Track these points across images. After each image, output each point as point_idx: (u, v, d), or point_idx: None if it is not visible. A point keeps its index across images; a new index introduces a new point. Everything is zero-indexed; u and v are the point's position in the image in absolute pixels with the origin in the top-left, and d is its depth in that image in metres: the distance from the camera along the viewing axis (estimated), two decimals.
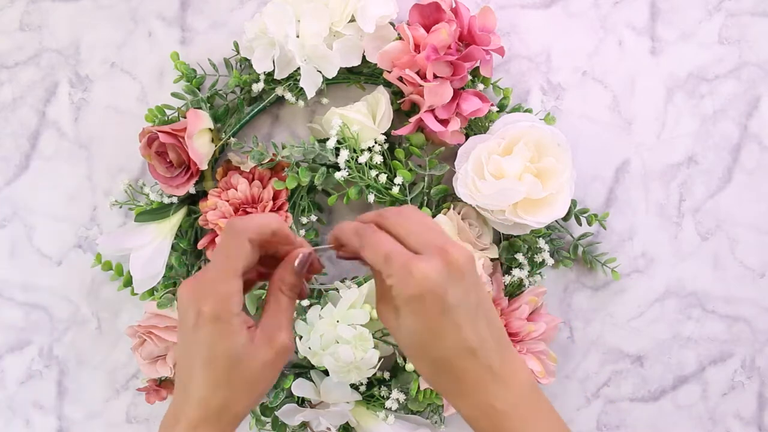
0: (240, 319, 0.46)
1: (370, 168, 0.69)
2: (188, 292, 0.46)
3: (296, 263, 0.49)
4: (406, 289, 0.44)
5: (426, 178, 0.71)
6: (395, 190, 0.69)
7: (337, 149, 0.68)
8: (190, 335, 0.45)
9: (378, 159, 0.68)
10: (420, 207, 0.70)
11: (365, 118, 0.68)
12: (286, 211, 0.70)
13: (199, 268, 0.74)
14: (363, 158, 0.68)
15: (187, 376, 0.46)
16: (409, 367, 0.71)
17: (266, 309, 0.48)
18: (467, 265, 0.45)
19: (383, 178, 0.68)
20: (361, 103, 0.70)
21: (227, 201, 0.69)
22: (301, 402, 0.73)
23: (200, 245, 0.71)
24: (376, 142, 0.69)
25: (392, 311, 0.46)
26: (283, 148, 0.68)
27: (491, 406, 0.46)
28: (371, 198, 0.69)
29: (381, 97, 0.70)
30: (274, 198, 0.69)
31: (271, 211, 0.69)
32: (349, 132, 0.68)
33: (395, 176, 0.69)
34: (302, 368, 0.74)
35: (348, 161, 0.68)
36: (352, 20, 0.67)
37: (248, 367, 0.46)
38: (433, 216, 0.70)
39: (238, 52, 0.73)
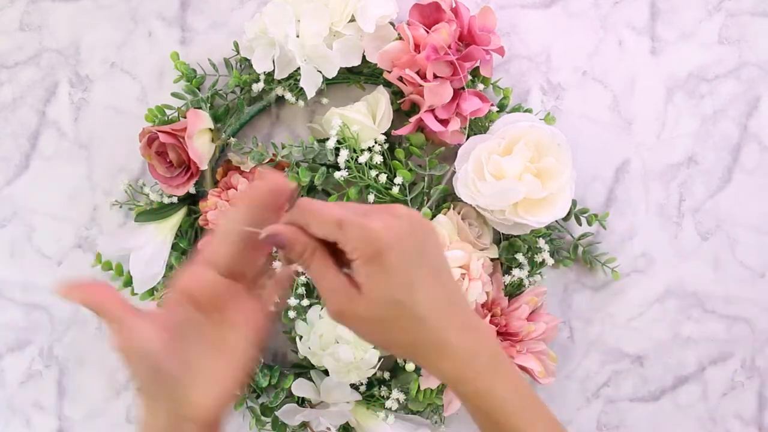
0: None
1: (370, 168, 0.69)
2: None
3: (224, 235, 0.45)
4: (368, 246, 0.42)
5: (426, 178, 0.71)
6: (395, 190, 0.69)
7: (337, 149, 0.68)
8: None
9: (378, 159, 0.68)
10: (420, 207, 0.70)
11: (365, 118, 0.68)
12: (286, 211, 0.69)
13: None
14: (363, 158, 0.68)
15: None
16: (409, 367, 0.71)
17: None
18: (415, 218, 0.44)
19: (383, 178, 0.68)
20: (361, 103, 0.70)
21: (227, 201, 0.69)
22: (301, 402, 0.73)
23: (200, 245, 0.71)
24: (376, 142, 0.69)
25: (354, 296, 0.43)
26: (282, 148, 0.68)
27: (477, 361, 0.44)
28: (371, 198, 0.69)
29: (381, 97, 0.70)
30: None
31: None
32: (349, 132, 0.68)
33: (395, 176, 0.69)
34: (302, 368, 0.74)
35: (348, 161, 0.68)
36: (352, 20, 0.67)
37: None
38: (433, 216, 0.70)
39: (238, 52, 0.73)
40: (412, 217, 0.44)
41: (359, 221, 0.42)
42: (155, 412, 0.42)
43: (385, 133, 0.70)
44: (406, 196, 0.70)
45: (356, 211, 0.44)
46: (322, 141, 0.69)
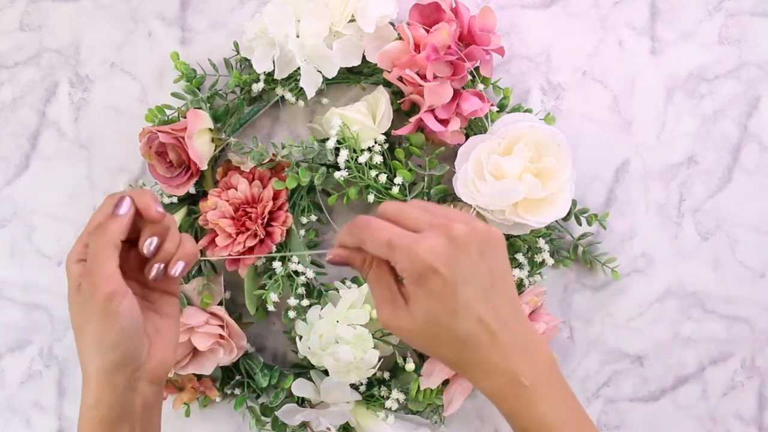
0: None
1: (370, 168, 0.69)
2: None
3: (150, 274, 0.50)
4: (414, 269, 0.44)
5: (426, 178, 0.71)
6: (395, 190, 0.69)
7: (337, 149, 0.68)
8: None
9: (378, 159, 0.68)
10: None
11: (365, 118, 0.68)
12: (286, 211, 0.70)
13: (199, 268, 0.74)
14: (363, 158, 0.68)
15: None
16: (409, 366, 0.71)
17: None
18: (472, 237, 0.45)
19: (383, 178, 0.68)
20: (361, 103, 0.70)
21: (227, 201, 0.69)
22: (301, 402, 0.73)
23: (200, 245, 0.71)
24: (376, 142, 0.69)
25: (401, 309, 0.46)
26: (282, 148, 0.68)
27: (518, 382, 0.45)
28: (371, 198, 0.69)
29: (381, 97, 0.70)
30: (274, 198, 0.69)
31: (271, 211, 0.69)
32: (349, 132, 0.68)
33: (395, 176, 0.69)
34: (302, 368, 0.74)
35: (348, 161, 0.68)
36: (352, 20, 0.67)
37: None
38: None
39: (238, 52, 0.73)
40: (468, 236, 0.45)
41: (407, 244, 0.45)
42: (114, 371, 0.48)
43: (385, 133, 0.70)
44: (406, 196, 0.70)
45: (414, 224, 0.46)
46: (322, 141, 0.69)
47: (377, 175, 0.68)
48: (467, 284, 0.45)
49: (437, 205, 0.50)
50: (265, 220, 0.69)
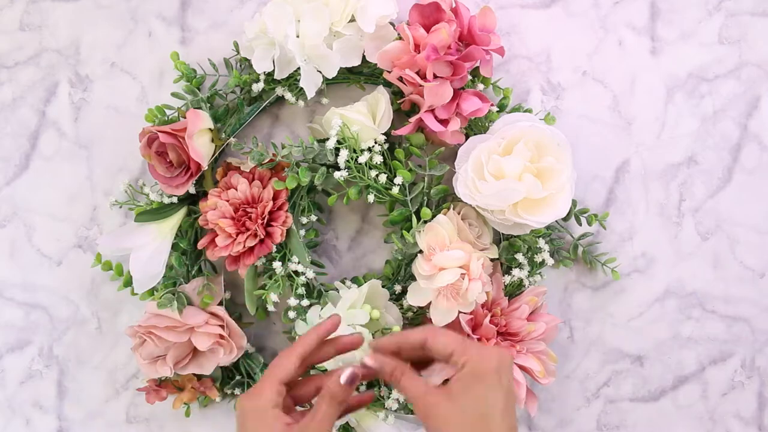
0: (275, 413, 0.53)
1: (370, 168, 0.69)
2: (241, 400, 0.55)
3: (342, 378, 0.53)
4: (481, 364, 0.51)
5: (426, 178, 0.71)
6: (395, 190, 0.69)
7: (337, 149, 0.68)
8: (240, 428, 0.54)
9: (378, 159, 0.68)
10: (420, 207, 0.70)
11: (365, 118, 0.68)
12: (286, 211, 0.70)
13: (199, 268, 0.74)
14: (363, 158, 0.68)
15: None
16: None
17: (310, 411, 0.53)
18: (505, 354, 0.54)
19: (383, 178, 0.68)
20: (361, 103, 0.70)
21: (227, 201, 0.69)
22: None
23: (200, 245, 0.71)
24: (376, 142, 0.69)
25: (443, 401, 0.51)
26: (282, 148, 0.68)
27: None
28: (371, 198, 0.69)
29: (381, 97, 0.70)
30: (274, 198, 0.69)
31: (271, 211, 0.69)
32: (349, 132, 0.68)
33: (395, 176, 0.69)
34: None
35: (348, 161, 0.68)
36: (352, 20, 0.67)
37: None
38: (433, 216, 0.70)
39: (238, 52, 0.73)
40: (502, 353, 0.54)
41: (477, 345, 0.54)
42: None
43: (384, 133, 0.70)
44: (406, 196, 0.70)
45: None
46: (322, 141, 0.69)
47: (377, 175, 0.68)
48: (508, 396, 0.52)
49: None
50: (265, 220, 0.69)
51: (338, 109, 0.69)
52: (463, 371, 0.52)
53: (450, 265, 0.66)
